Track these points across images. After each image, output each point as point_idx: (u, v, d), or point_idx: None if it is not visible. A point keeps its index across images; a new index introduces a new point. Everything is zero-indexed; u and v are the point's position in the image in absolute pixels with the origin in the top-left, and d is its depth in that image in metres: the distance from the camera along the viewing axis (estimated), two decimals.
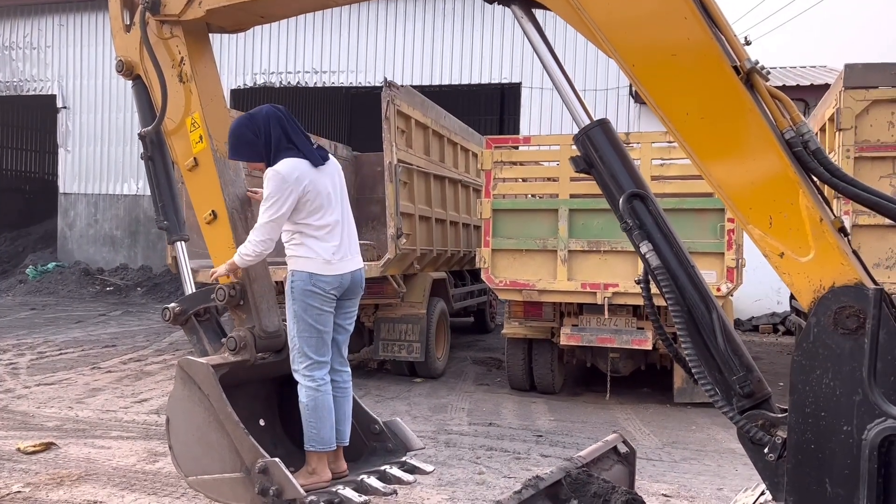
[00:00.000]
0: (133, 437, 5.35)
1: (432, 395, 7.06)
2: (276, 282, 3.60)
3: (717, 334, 2.18)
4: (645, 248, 2.24)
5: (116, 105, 16.95)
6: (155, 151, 3.61)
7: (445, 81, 15.11)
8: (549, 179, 7.14)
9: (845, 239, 2.10)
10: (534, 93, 14.34)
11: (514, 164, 7.00)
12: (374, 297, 7.49)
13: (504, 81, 15.03)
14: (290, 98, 19.15)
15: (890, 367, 1.92)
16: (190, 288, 3.62)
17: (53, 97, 17.49)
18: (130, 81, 3.67)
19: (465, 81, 15.06)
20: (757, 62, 2.12)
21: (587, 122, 2.40)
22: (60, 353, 8.75)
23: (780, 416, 2.13)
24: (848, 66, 5.56)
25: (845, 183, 2.07)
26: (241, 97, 16.55)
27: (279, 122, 3.33)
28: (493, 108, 21.80)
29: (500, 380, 7.75)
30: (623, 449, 3.33)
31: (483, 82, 15.10)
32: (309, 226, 3.29)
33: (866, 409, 1.91)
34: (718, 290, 5.91)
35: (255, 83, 16.27)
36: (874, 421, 1.90)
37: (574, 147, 2.44)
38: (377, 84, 15.21)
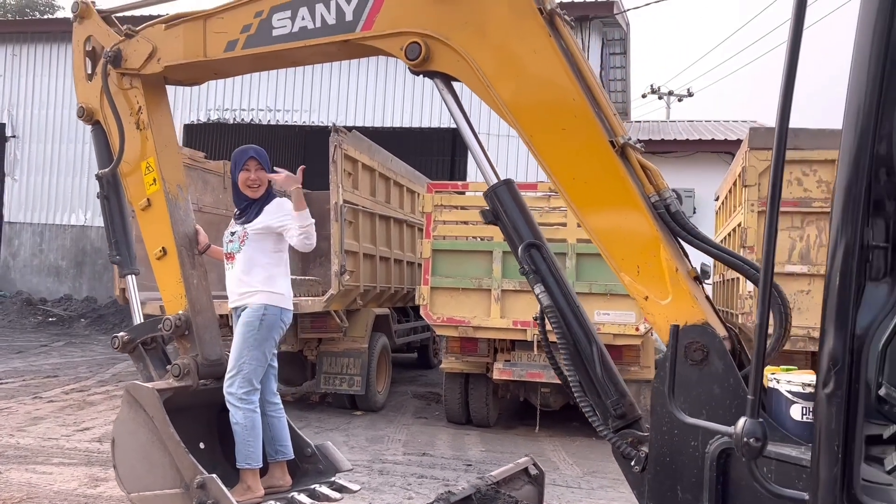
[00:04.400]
0: (75, 463, 5.49)
1: (371, 427, 7.32)
2: (220, 315, 3.91)
3: (597, 364, 2.57)
4: (538, 289, 2.63)
5: (66, 136, 16.95)
6: (110, 191, 3.89)
7: (398, 124, 15.58)
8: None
9: (699, 286, 2.53)
10: (480, 138, 14.87)
11: (454, 207, 7.43)
12: (317, 332, 7.78)
13: (454, 126, 15.55)
14: (243, 135, 19.35)
15: (727, 392, 2.33)
16: (138, 318, 3.88)
17: (3, 126, 17.40)
18: (90, 126, 3.96)
19: (417, 125, 15.55)
20: (630, 138, 2.57)
21: (495, 181, 2.81)
22: (0, 383, 8.74)
23: (645, 434, 2.52)
24: (752, 129, 6.16)
25: (697, 240, 2.50)
26: (194, 132, 16.75)
27: None
28: (444, 150, 22.35)
29: (438, 413, 8.05)
30: (533, 471, 3.68)
31: (434, 126, 15.61)
32: (281, 259, 3.71)
33: (708, 427, 2.31)
34: (637, 329, 6.39)
35: (208, 119, 16.49)
36: (714, 437, 2.31)
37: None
38: (330, 124, 15.65)
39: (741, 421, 1.55)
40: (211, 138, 17.80)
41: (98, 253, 16.82)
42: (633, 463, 2.48)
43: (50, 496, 4.69)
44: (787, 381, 2.31)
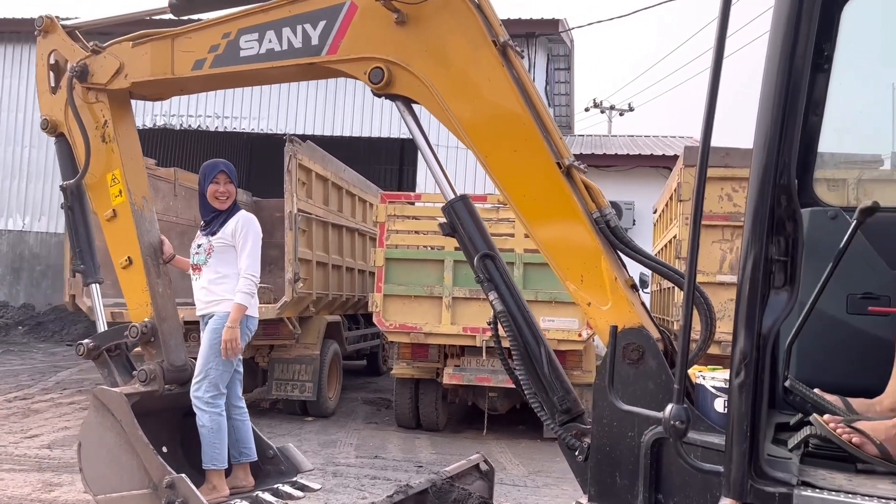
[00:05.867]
0: (26, 469, 5.49)
1: (322, 432, 7.46)
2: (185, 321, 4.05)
3: (545, 364, 2.83)
4: (492, 296, 2.88)
5: (6, 138, 16.53)
6: (75, 201, 3.98)
7: (346, 133, 15.71)
8: (437, 233, 7.83)
9: (636, 293, 2.81)
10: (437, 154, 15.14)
11: (407, 217, 7.66)
12: (269, 339, 7.88)
13: (403, 136, 15.79)
14: (189, 141, 19.23)
15: (660, 387, 2.61)
16: (103, 326, 3.97)
17: None
18: (54, 138, 4.04)
19: (366, 134, 15.71)
20: (574, 160, 2.84)
21: (452, 195, 3.05)
22: None
23: (588, 427, 2.78)
24: (687, 148, 6.58)
25: (633, 251, 2.78)
26: (140, 138, 16.46)
27: None
28: (392, 159, 22.56)
29: (389, 418, 8.24)
30: (484, 467, 3.92)
31: (383, 136, 15.81)
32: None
33: (642, 419, 2.59)
34: (580, 335, 6.72)
35: (154, 124, 16.31)
36: (648, 428, 2.58)
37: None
38: (278, 132, 15.68)
39: (669, 407, 1.81)
40: (157, 144, 17.62)
41: (36, 259, 16.44)
42: (577, 453, 2.73)
43: (4, 501, 4.71)
44: (712, 377, 2.61)
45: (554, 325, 6.77)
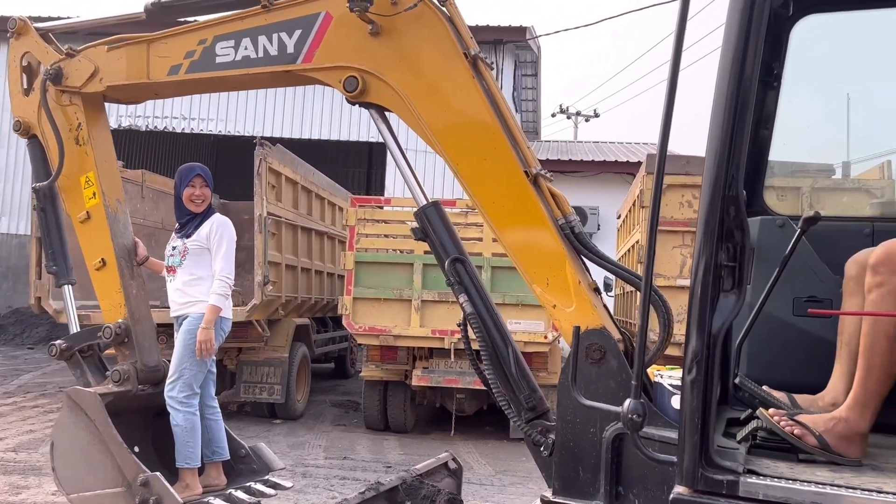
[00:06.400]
0: None
1: (291, 434, 7.51)
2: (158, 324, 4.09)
3: (512, 364, 2.95)
4: (462, 298, 3.00)
5: None
6: (47, 203, 4.00)
7: (315, 136, 15.72)
8: (407, 236, 7.94)
9: (598, 296, 2.95)
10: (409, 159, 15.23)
11: (377, 221, 7.75)
12: (238, 341, 7.88)
13: (372, 139, 15.86)
14: (155, 142, 19.04)
15: (620, 385, 2.75)
16: (75, 327, 4.00)
17: None
18: (27, 140, 4.05)
19: (335, 137, 15.75)
20: (541, 169, 2.97)
21: (424, 201, 3.16)
22: None
23: (552, 423, 2.91)
24: (649, 156, 6.80)
25: (596, 256, 2.92)
26: None
27: None
28: (361, 161, 22.58)
29: (357, 420, 8.30)
30: (453, 465, 4.04)
31: (352, 139, 15.85)
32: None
33: (604, 416, 2.73)
34: (546, 337, 6.88)
35: (119, 125, 16.12)
36: (609, 424, 2.72)
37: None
38: (245, 134, 15.63)
39: (626, 402, 1.95)
40: (122, 146, 17.40)
41: None
42: (542, 448, 2.86)
43: None
44: (669, 376, 2.76)
45: (520, 328, 6.91)
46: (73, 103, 3.91)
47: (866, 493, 1.74)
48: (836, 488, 1.76)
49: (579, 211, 13.53)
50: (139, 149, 18.94)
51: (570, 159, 14.94)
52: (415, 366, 7.43)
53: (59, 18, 11.34)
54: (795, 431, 2.01)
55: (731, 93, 1.87)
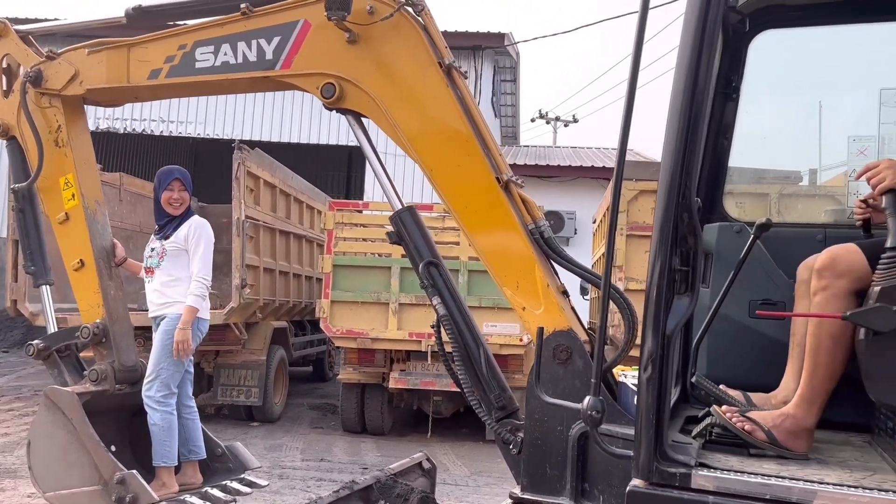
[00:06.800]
0: None
1: (268, 436, 7.54)
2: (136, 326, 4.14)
3: (483, 364, 3.04)
4: (435, 301, 3.09)
5: None
6: (26, 204, 4.03)
7: (294, 139, 15.73)
8: (384, 240, 8.01)
9: (566, 298, 3.05)
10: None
11: (355, 225, 7.81)
12: (215, 344, 7.91)
13: (351, 144, 15.90)
14: (133, 145, 18.93)
15: (585, 385, 2.86)
16: (53, 327, 4.03)
17: None
18: (6, 141, 4.09)
19: (314, 141, 15.76)
20: (512, 175, 3.07)
21: (399, 206, 3.25)
22: None
23: (521, 422, 3.01)
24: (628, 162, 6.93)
25: (564, 260, 3.02)
26: None
27: None
28: (340, 165, 22.57)
29: (335, 423, 8.35)
30: (427, 465, 4.11)
31: (331, 143, 15.88)
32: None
33: (570, 414, 2.83)
34: (521, 340, 6.98)
35: (97, 127, 16.01)
36: (575, 422, 2.82)
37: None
38: (224, 137, 15.60)
39: (586, 399, 2.04)
40: (100, 148, 17.23)
41: None
42: (511, 446, 2.95)
43: None
44: (633, 376, 2.87)
45: (496, 331, 7.02)
46: (53, 105, 3.96)
47: (809, 484, 1.86)
48: (781, 480, 1.87)
49: (556, 215, 13.70)
50: (117, 151, 18.82)
51: (549, 164, 15.10)
52: (392, 368, 7.50)
53: (38, 21, 11.30)
54: (746, 427, 2.12)
55: (685, 105, 1.97)
